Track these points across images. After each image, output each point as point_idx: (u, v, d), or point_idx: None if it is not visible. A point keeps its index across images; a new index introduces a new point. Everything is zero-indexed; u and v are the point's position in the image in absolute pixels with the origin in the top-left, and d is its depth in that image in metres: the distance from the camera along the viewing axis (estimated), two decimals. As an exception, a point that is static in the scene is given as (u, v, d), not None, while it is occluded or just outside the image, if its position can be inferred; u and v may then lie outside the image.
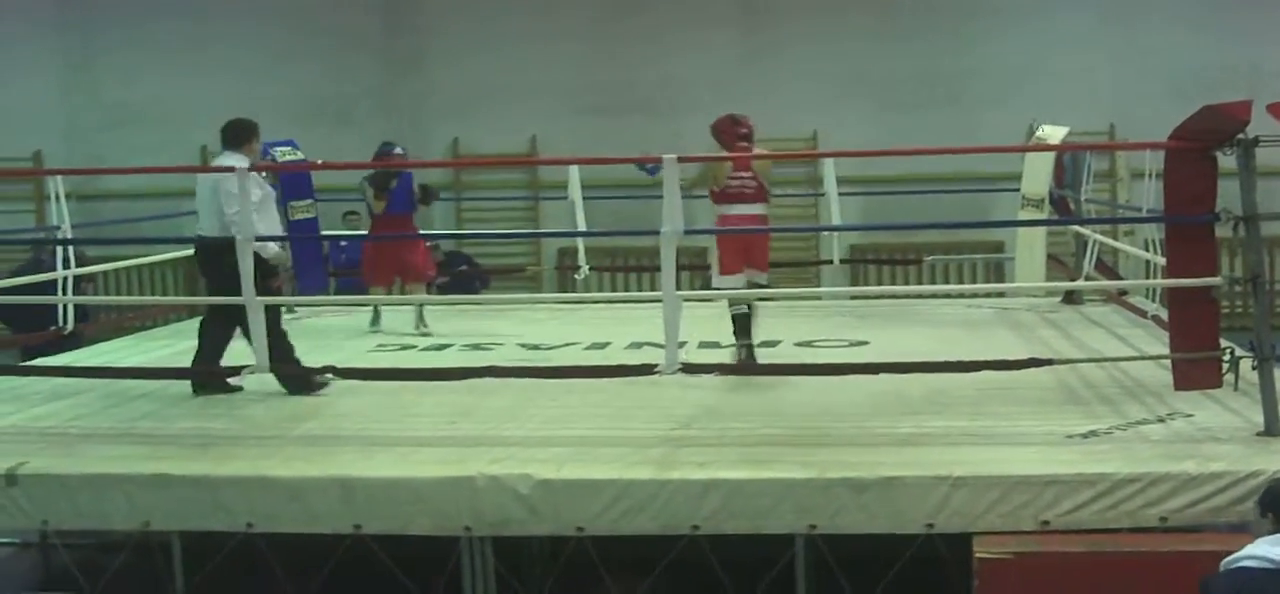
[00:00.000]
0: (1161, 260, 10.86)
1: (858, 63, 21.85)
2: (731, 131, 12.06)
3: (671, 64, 22.07)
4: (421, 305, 15.00)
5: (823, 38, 21.94)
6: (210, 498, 9.01)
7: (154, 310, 15.83)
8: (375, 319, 15.39)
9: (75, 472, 9.28)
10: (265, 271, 11.37)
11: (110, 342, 14.03)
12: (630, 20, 22.35)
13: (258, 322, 10.51)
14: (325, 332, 14.88)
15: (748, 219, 11.95)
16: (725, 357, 12.16)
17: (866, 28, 21.94)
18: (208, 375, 11.63)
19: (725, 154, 11.97)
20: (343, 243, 18.85)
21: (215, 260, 11.42)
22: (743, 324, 11.88)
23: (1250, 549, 6.47)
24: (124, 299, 15.19)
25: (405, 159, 15.11)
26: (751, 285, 11.98)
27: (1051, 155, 15.22)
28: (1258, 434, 9.15)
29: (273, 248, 11.66)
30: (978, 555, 8.04)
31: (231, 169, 11.23)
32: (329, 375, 11.11)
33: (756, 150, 11.87)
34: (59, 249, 14.69)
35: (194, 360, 11.87)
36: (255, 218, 10.94)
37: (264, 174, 11.95)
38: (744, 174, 11.88)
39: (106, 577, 9.53)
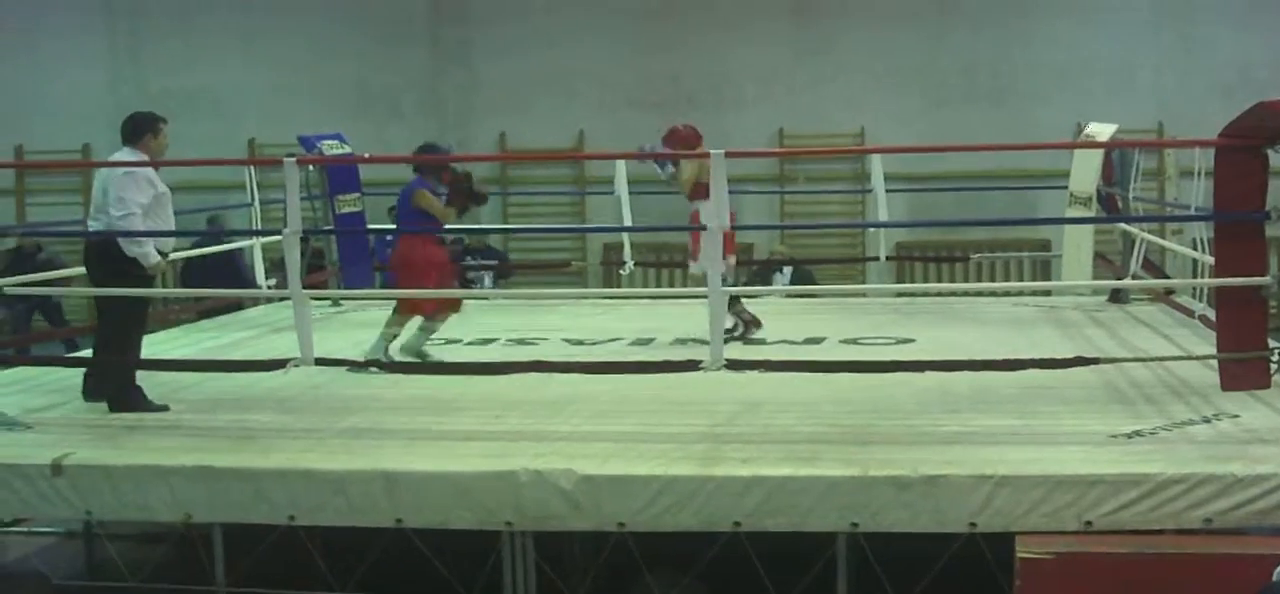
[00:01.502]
0: (1209, 259, 10.80)
1: (906, 59, 21.83)
2: (697, 138, 13.17)
3: (719, 59, 22.09)
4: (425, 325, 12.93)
5: (871, 34, 21.92)
6: (253, 490, 9.02)
7: (205, 303, 15.84)
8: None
9: (119, 463, 9.29)
10: (140, 277, 10.90)
11: (157, 333, 14.04)
12: (679, 15, 22.37)
13: (303, 314, 10.53)
14: (370, 325, 14.84)
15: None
16: (771, 353, 12.18)
17: (915, 24, 21.91)
18: (249, 366, 11.55)
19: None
20: (388, 238, 18.87)
21: (96, 261, 11.06)
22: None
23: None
24: (170, 292, 15.23)
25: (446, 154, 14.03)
26: None
27: (1100, 153, 15.16)
28: (1306, 436, 9.06)
29: (153, 256, 10.90)
30: (1020, 555, 7.99)
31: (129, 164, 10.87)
32: (372, 367, 11.07)
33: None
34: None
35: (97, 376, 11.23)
36: (142, 219, 10.67)
37: (157, 173, 11.02)
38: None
39: (149, 568, 9.57)
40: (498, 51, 22.65)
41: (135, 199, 10.65)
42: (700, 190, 12.36)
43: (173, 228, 11.35)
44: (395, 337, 12.26)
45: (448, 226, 12.66)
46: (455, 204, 12.48)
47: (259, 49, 22.74)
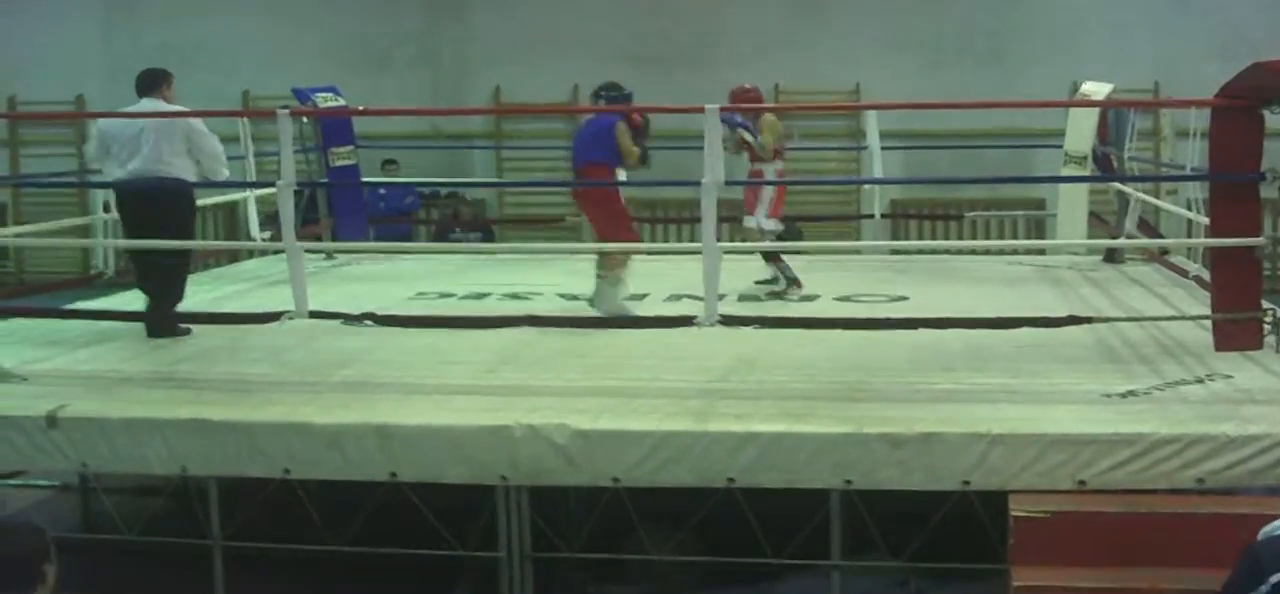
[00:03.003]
0: (1204, 220, 10.82)
1: (902, 17, 21.81)
2: (762, 99, 13.86)
3: (715, 15, 22.06)
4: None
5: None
6: (248, 443, 9.03)
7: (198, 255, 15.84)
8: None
9: (114, 415, 9.29)
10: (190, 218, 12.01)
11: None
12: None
13: (298, 267, 10.55)
14: (364, 278, 14.90)
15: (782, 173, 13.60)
16: (765, 309, 12.21)
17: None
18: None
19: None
20: (382, 190, 18.89)
21: (168, 204, 11.63)
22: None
23: (1290, 518, 6.41)
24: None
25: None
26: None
27: (1095, 112, 15.16)
28: (1298, 397, 9.09)
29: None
30: (1013, 514, 8.03)
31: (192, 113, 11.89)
32: (367, 320, 11.08)
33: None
34: (99, 193, 14.72)
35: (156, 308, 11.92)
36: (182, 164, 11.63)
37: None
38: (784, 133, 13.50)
39: (144, 520, 9.58)
40: (493, 5, 22.60)
41: (216, 142, 11.81)
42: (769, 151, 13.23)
43: None
44: (620, 283, 12.27)
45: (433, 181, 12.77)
46: (640, 147, 12.29)
47: (254, 1, 22.69)
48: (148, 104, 11.82)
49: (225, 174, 12.01)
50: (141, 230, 11.66)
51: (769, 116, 13.42)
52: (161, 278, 11.86)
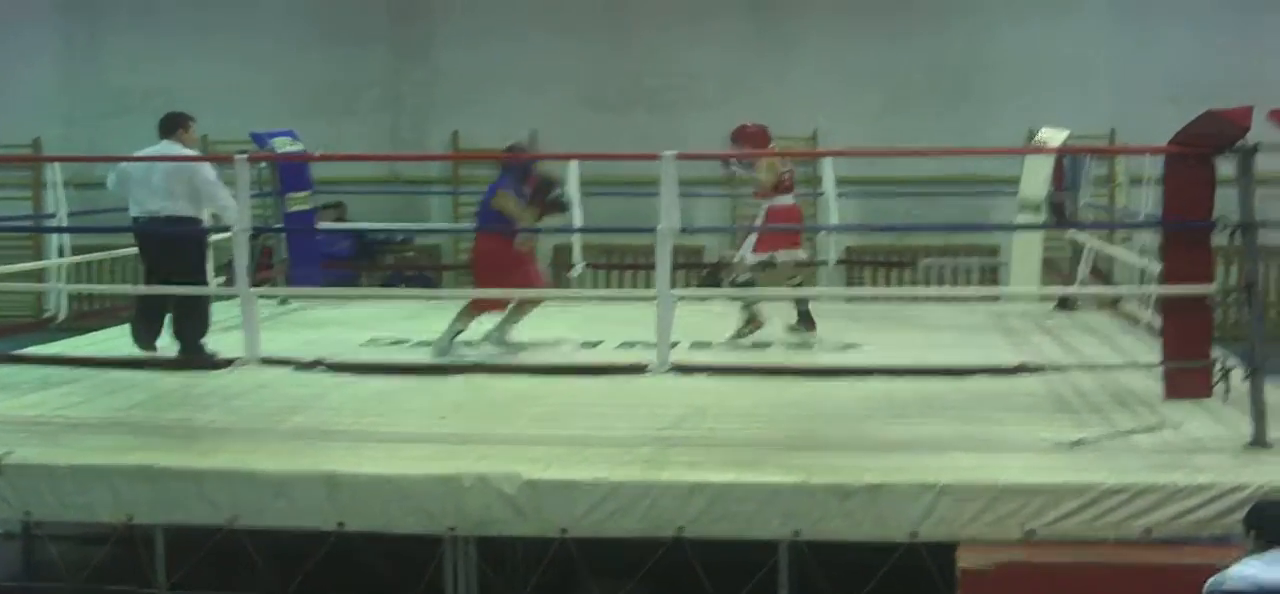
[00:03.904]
0: (1157, 268, 10.84)
1: (862, 62, 21.84)
2: (765, 138, 13.66)
3: (675, 60, 22.06)
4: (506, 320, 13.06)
5: (827, 37, 21.93)
6: (195, 491, 8.96)
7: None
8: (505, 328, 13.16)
9: (60, 462, 9.22)
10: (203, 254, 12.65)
11: (105, 331, 13.97)
12: (635, 15, 22.34)
13: (251, 312, 10.51)
14: (317, 324, 14.86)
15: (790, 207, 13.74)
16: (718, 357, 12.22)
17: (870, 27, 21.92)
18: (198, 364, 11.82)
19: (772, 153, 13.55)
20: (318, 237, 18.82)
21: (183, 244, 12.40)
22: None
23: (1237, 569, 6.43)
24: (120, 288, 15.10)
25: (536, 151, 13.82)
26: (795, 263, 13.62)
27: (1051, 159, 15.19)
28: (1246, 446, 9.10)
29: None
30: (960, 566, 8.03)
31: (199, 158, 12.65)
32: (319, 367, 11.05)
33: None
34: (54, 237, 14.70)
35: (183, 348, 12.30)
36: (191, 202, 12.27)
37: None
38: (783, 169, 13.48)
39: (89, 569, 9.51)
40: (454, 49, 22.58)
41: (213, 176, 12.38)
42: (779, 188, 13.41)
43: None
44: (460, 332, 12.59)
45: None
46: (536, 207, 12.62)
47: (215, 45, 22.60)
48: (164, 146, 12.40)
49: (226, 212, 12.25)
50: (154, 268, 12.37)
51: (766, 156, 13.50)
52: (177, 315, 12.35)
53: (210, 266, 13.09)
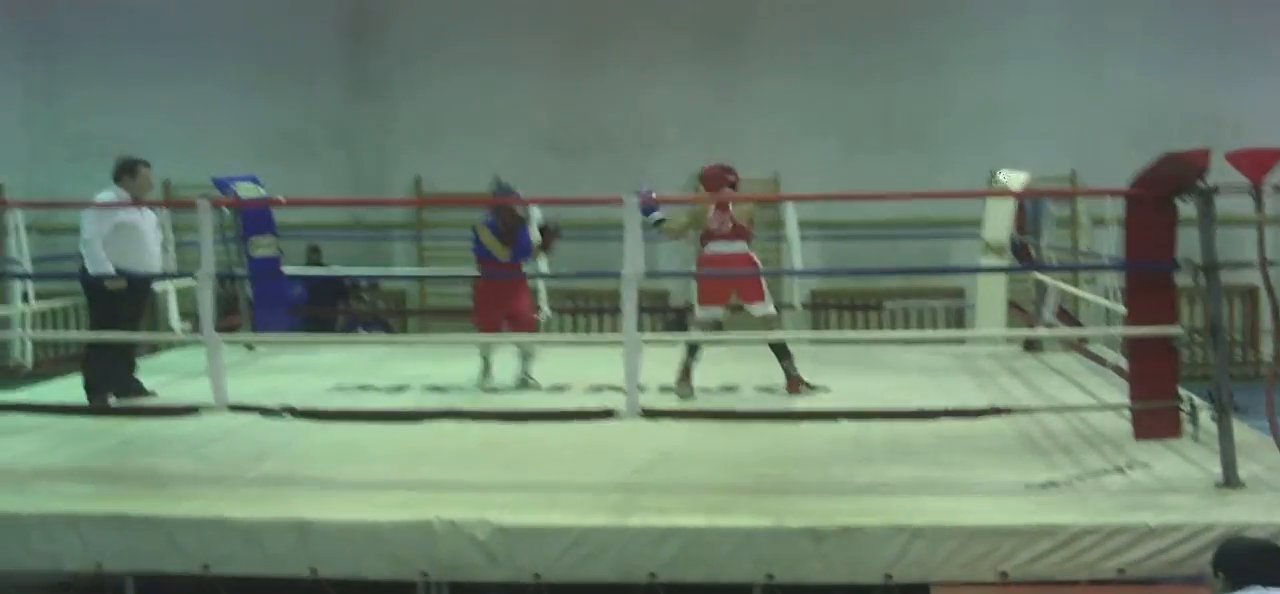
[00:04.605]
0: (1122, 308, 10.88)
1: (821, 105, 21.85)
2: (721, 178, 13.28)
3: (636, 103, 22.05)
4: (526, 355, 14.06)
5: (787, 80, 21.94)
6: (165, 539, 8.93)
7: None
8: (486, 372, 14.06)
9: (27, 510, 9.18)
10: (107, 297, 12.48)
11: (71, 377, 13.93)
12: (596, 58, 22.33)
13: (217, 359, 10.46)
14: (284, 370, 14.83)
15: (725, 256, 12.91)
16: (686, 401, 12.25)
17: (831, 71, 21.93)
18: (162, 411, 11.90)
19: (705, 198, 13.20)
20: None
21: (89, 292, 12.73)
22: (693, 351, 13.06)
23: (1207, 609, 6.45)
24: (84, 335, 15.02)
25: (515, 194, 14.04)
26: (738, 312, 13.11)
27: (1012, 201, 15.25)
28: (1216, 485, 9.16)
29: (109, 274, 12.43)
30: (935, 607, 8.05)
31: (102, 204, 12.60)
32: (286, 413, 11.01)
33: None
34: (16, 283, 14.65)
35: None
36: (101, 246, 12.37)
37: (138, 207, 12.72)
38: (724, 216, 12.91)
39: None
40: (414, 93, 22.54)
41: (92, 228, 12.38)
42: (704, 237, 13.13)
43: (146, 254, 12.76)
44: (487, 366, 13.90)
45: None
46: (504, 241, 13.67)
47: (176, 92, 22.47)
48: (104, 194, 12.64)
49: (97, 264, 12.44)
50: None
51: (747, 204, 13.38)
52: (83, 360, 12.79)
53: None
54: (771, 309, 13.19)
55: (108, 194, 12.62)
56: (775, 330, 13.32)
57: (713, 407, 12.22)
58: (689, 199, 13.53)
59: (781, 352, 13.07)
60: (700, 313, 13.11)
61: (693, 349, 13.04)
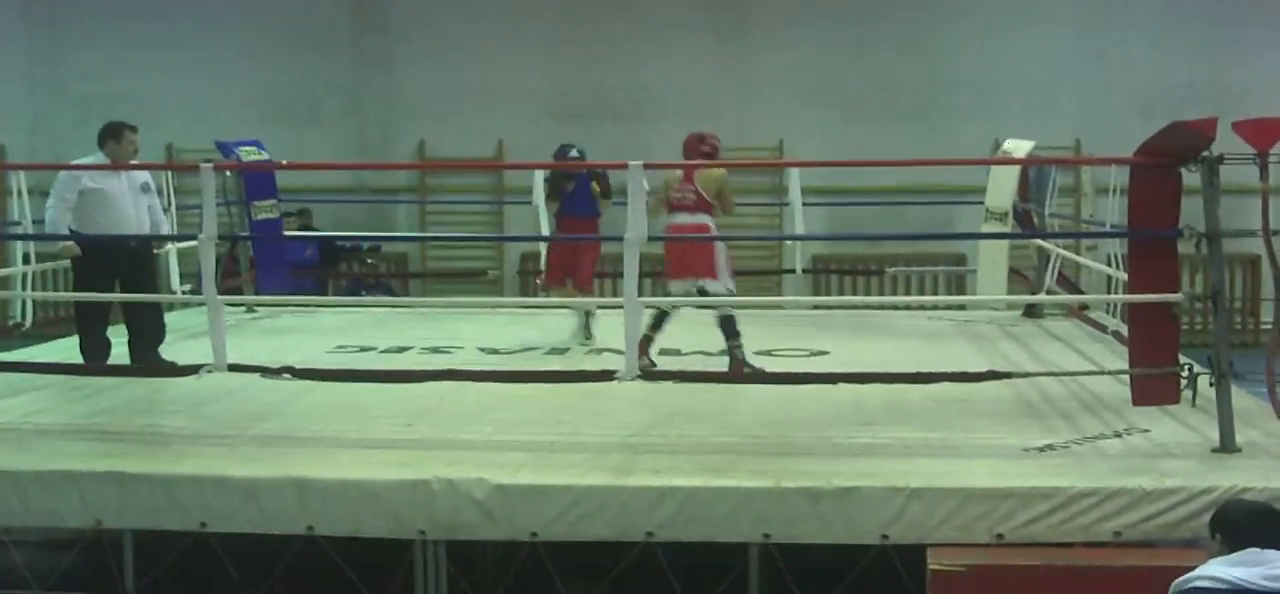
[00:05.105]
0: (1123, 276, 10.88)
1: (826, 74, 21.85)
2: (694, 147, 12.67)
3: (641, 71, 22.06)
4: (587, 314, 14.18)
5: (792, 48, 21.93)
6: (164, 496, 8.95)
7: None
8: (587, 330, 14.22)
9: (28, 468, 9.21)
10: (129, 262, 12.37)
11: (72, 337, 13.94)
12: (601, 26, 22.33)
13: (218, 320, 10.47)
14: (285, 331, 14.85)
15: (684, 228, 12.26)
16: (687, 363, 12.24)
17: (836, 39, 21.93)
18: (167, 371, 11.83)
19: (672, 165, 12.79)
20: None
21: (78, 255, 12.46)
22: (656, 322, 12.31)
23: (1203, 570, 6.45)
24: (84, 296, 15.03)
25: (583, 159, 14.32)
26: (700, 292, 12.26)
27: (1016, 169, 15.24)
28: (1213, 451, 9.18)
29: (63, 242, 12.42)
30: (931, 568, 8.06)
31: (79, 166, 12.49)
32: (286, 374, 11.01)
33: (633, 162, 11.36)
34: (19, 244, 14.66)
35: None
36: (66, 211, 12.19)
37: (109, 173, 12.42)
38: (686, 186, 12.30)
39: (56, 575, 9.46)
40: (419, 59, 22.54)
41: (60, 194, 12.22)
42: (667, 207, 12.52)
43: (117, 218, 12.33)
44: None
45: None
46: (551, 198, 14.48)
47: (180, 55, 22.47)
48: (89, 158, 12.54)
49: (51, 226, 12.39)
50: None
51: (716, 171, 12.57)
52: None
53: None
54: (726, 286, 12.40)
55: (89, 159, 12.51)
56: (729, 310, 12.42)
57: (712, 370, 12.20)
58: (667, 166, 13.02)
59: (729, 330, 12.31)
60: (671, 286, 12.50)
61: (657, 321, 12.36)
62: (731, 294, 12.48)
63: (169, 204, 15.08)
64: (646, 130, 20.61)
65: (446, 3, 22.45)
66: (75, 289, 12.65)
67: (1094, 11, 21.58)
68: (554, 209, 14.32)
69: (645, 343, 11.91)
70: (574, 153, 14.32)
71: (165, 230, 12.86)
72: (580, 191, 14.03)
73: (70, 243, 12.22)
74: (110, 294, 12.07)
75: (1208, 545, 6.92)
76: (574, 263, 14.18)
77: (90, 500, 9.01)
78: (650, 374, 10.67)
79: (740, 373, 12.00)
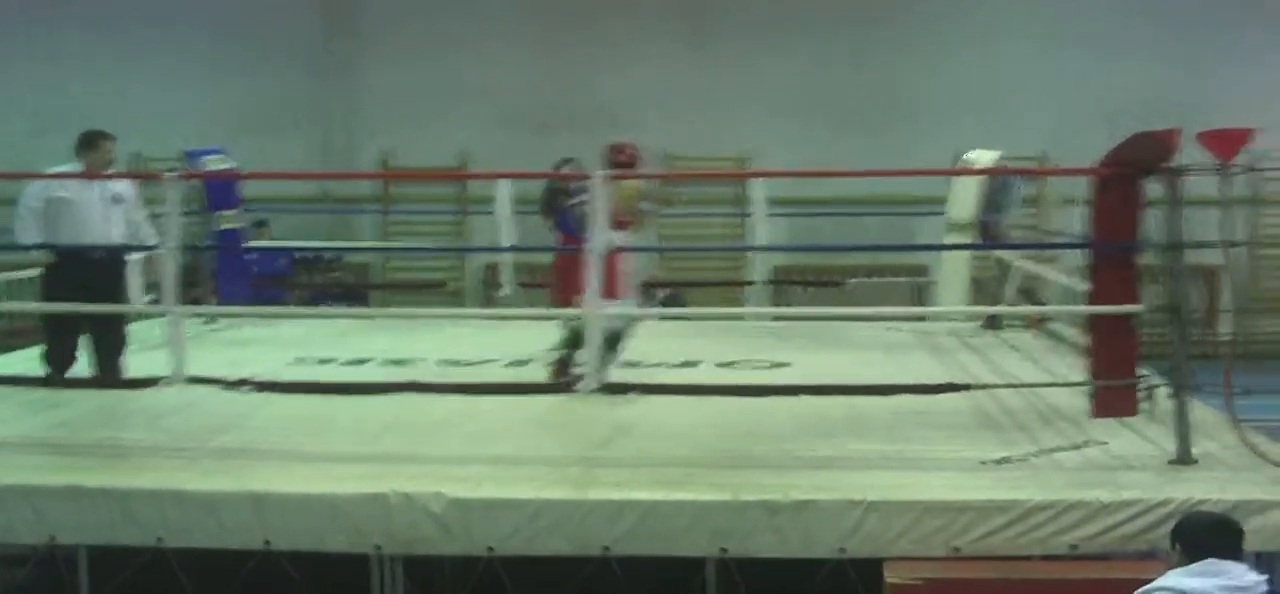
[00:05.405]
0: (1083, 287, 10.91)
1: (793, 86, 21.92)
2: (611, 159, 12.40)
3: (607, 82, 22.11)
4: (574, 331, 12.71)
5: (758, 60, 22.01)
6: (120, 510, 8.88)
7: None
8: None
9: (-20, 482, 9.13)
10: (97, 273, 12.29)
11: (24, 350, 13.88)
12: (567, 38, 22.40)
13: (178, 331, 10.44)
14: (245, 343, 14.80)
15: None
16: (647, 376, 12.20)
17: (803, 52, 22.01)
18: (119, 384, 11.89)
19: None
20: (254, 254, 18.72)
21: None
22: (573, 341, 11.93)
23: (1162, 581, 6.46)
24: (44, 307, 14.95)
25: (577, 171, 13.17)
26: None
27: (979, 181, 15.27)
28: (1170, 463, 9.20)
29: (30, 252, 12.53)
30: (888, 581, 8.04)
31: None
32: (246, 386, 10.98)
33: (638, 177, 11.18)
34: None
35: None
36: (32, 222, 12.12)
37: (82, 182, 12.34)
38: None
39: (9, 591, 9.41)
40: (384, 69, 22.56)
41: (25, 204, 12.20)
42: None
43: (86, 229, 12.25)
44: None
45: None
46: (545, 215, 13.11)
47: (143, 66, 22.47)
48: (64, 167, 12.59)
49: (18, 236, 12.33)
50: None
51: (628, 182, 12.27)
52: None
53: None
54: (616, 308, 11.53)
55: (66, 167, 12.47)
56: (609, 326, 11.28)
57: (673, 382, 12.18)
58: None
59: (574, 340, 11.87)
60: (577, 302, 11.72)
61: (573, 339, 11.98)
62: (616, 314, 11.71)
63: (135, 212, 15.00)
64: (611, 140, 20.59)
65: (412, 12, 22.47)
66: (42, 299, 12.59)
67: (1058, 26, 21.69)
68: (550, 224, 13.28)
69: (562, 364, 11.95)
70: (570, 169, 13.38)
71: (149, 239, 12.63)
72: (568, 210, 12.96)
73: (42, 251, 12.19)
74: (72, 305, 11.98)
75: (1165, 556, 6.95)
76: (562, 280, 12.96)
77: (45, 515, 8.92)
78: (612, 387, 10.65)
79: (558, 376, 11.91)
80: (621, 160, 12.44)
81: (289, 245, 19.96)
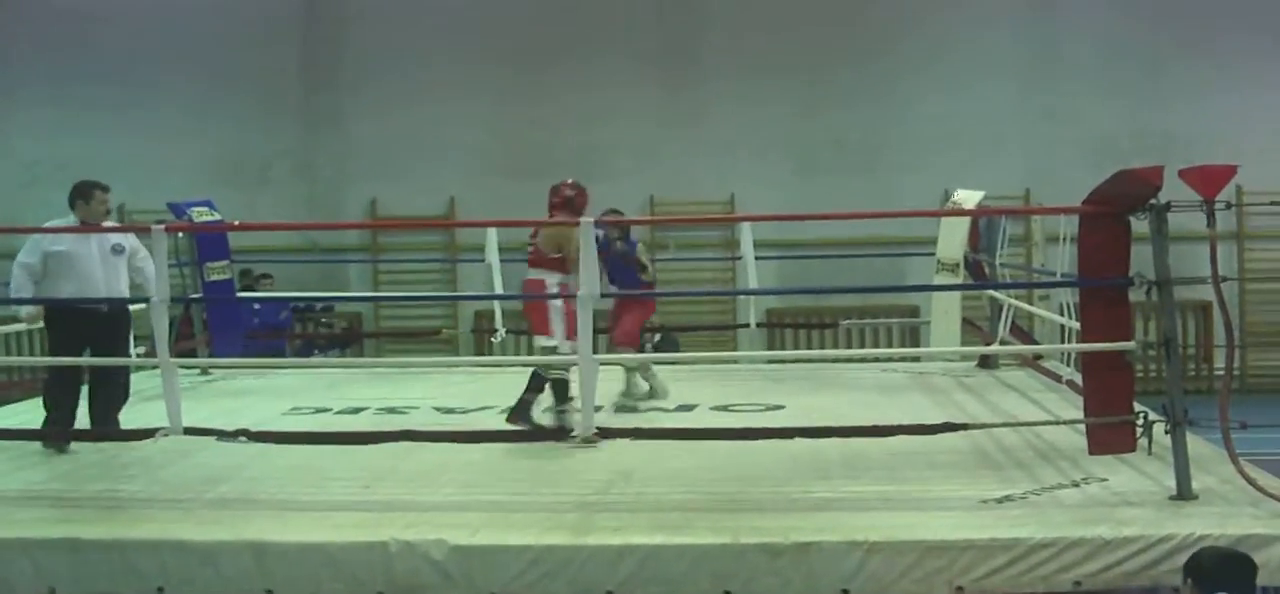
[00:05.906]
0: (1076, 325, 10.92)
1: (776, 129, 21.98)
2: (550, 198, 12.48)
3: (592, 127, 22.15)
4: (631, 373, 13.78)
5: (742, 104, 22.05)
6: (120, 561, 8.87)
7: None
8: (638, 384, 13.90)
9: (-22, 537, 9.11)
10: (100, 328, 12.12)
11: (22, 402, 13.85)
12: (551, 84, 22.43)
13: (172, 383, 10.43)
14: (239, 393, 14.77)
15: (527, 284, 12.22)
16: (643, 421, 12.20)
17: (786, 94, 22.07)
18: (115, 435, 11.80)
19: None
20: (256, 306, 18.73)
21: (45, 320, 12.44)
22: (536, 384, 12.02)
23: (1171, 614, 6.51)
24: (38, 360, 14.93)
25: (620, 218, 13.92)
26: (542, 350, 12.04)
27: (967, 220, 15.29)
28: (1170, 498, 9.20)
29: (24, 310, 12.51)
30: (891, 623, 8.05)
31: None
32: (241, 437, 10.97)
33: (583, 219, 11.09)
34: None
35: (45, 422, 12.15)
36: (27, 276, 12.01)
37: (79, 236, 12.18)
38: (532, 240, 12.24)
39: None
40: (369, 119, 22.60)
41: (23, 260, 12.02)
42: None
43: (87, 281, 12.08)
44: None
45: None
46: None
47: (130, 118, 22.49)
48: (57, 220, 12.41)
49: (15, 292, 12.17)
50: None
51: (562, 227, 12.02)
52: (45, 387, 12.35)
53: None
54: (553, 342, 11.90)
55: (59, 221, 12.30)
56: (553, 366, 11.82)
57: (669, 426, 12.18)
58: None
59: (534, 383, 11.99)
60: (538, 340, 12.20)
61: (537, 383, 12.03)
62: (554, 350, 11.92)
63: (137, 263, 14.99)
64: (598, 186, 20.49)
65: (395, 62, 22.52)
66: (51, 351, 12.42)
67: (1042, 67, 21.76)
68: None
69: (525, 405, 11.90)
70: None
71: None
72: (611, 260, 13.18)
73: (32, 309, 12.19)
74: (70, 358, 11.96)
75: (1181, 588, 6.97)
76: (615, 324, 13.74)
77: (43, 569, 8.91)
78: (607, 431, 10.65)
79: (519, 420, 11.81)
80: (556, 202, 12.41)
81: (287, 296, 19.95)
